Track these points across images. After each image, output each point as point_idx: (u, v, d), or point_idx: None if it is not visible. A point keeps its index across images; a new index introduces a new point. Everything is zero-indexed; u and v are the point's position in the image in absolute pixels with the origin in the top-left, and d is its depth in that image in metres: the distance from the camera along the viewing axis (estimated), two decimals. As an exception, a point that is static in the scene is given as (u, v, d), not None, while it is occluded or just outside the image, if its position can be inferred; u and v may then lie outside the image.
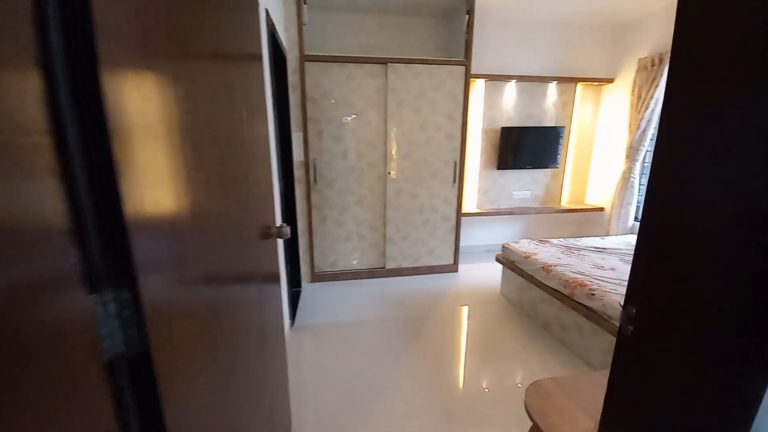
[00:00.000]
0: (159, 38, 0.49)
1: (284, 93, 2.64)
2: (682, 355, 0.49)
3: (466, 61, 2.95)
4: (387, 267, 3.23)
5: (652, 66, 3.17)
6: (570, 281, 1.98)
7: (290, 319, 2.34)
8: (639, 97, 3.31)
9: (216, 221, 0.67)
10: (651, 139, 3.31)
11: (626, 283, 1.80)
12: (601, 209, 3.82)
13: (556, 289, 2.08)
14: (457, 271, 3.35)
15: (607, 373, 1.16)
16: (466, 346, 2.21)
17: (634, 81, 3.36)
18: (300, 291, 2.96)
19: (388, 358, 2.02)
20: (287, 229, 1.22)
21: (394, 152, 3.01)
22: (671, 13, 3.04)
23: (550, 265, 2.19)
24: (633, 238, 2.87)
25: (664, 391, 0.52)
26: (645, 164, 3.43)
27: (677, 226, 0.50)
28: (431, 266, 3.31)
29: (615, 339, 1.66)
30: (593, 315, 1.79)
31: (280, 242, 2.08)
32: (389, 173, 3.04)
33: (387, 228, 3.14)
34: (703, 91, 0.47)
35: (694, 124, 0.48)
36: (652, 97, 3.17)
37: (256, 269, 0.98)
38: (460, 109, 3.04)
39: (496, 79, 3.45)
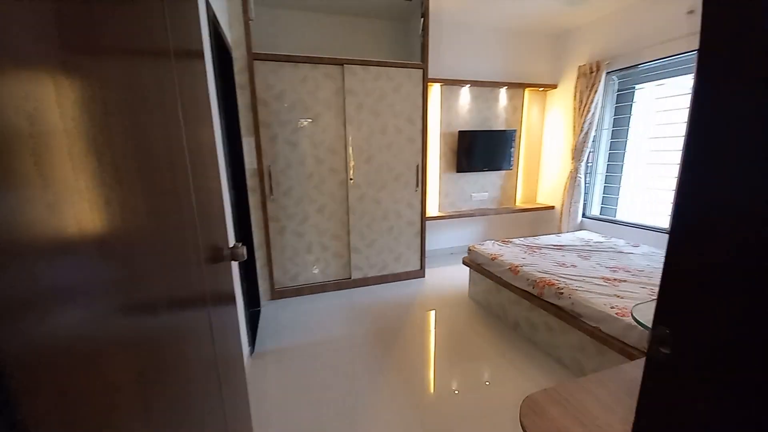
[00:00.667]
0: (58, 28, 0.35)
1: (232, 95, 2.39)
2: (729, 380, 0.44)
3: (423, 65, 2.93)
4: (353, 277, 3.09)
5: (591, 73, 3.42)
6: (538, 281, 2.00)
7: (250, 345, 2.10)
8: (581, 101, 3.55)
9: (142, 243, 0.51)
10: (593, 141, 3.56)
11: (589, 280, 1.86)
12: (552, 207, 4.04)
13: (524, 290, 2.10)
14: (424, 276, 3.31)
15: (593, 378, 1.15)
16: (436, 352, 2.15)
17: (576, 87, 3.60)
18: (259, 311, 2.70)
19: (361, 378, 1.88)
20: (242, 250, 1.04)
21: (355, 157, 2.89)
22: (607, 22, 3.32)
23: (517, 266, 2.21)
24: (585, 234, 3.04)
25: (710, 419, 0.46)
26: (589, 164, 3.68)
27: (717, 237, 0.45)
28: (398, 273, 3.22)
29: (585, 336, 1.71)
30: (563, 314, 1.82)
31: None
32: (351, 179, 2.91)
33: (351, 236, 3.00)
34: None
35: (730, 127, 0.43)
36: (592, 101, 3.42)
37: (203, 295, 0.80)
38: (420, 113, 3.01)
39: (452, 83, 3.50)
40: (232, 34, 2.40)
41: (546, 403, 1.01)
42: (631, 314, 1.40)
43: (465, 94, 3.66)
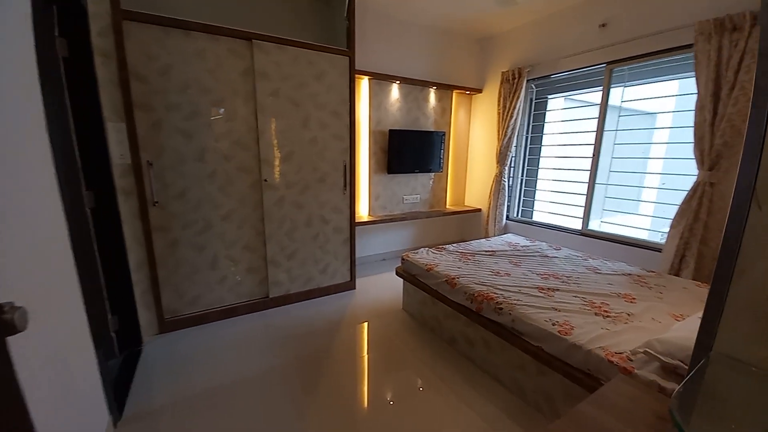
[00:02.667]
0: None
1: (86, 64, 1.74)
2: None
3: (349, 52, 2.61)
4: (271, 295, 2.62)
5: (513, 79, 3.51)
6: (476, 295, 1.86)
7: (112, 412, 1.51)
8: (504, 107, 3.63)
9: None
10: (515, 146, 3.68)
11: (525, 291, 1.76)
12: (479, 210, 4.10)
13: (462, 304, 1.94)
14: (354, 288, 3.00)
15: (561, 425, 0.97)
16: (369, 369, 1.88)
17: (499, 92, 3.67)
18: (140, 352, 2.07)
19: (285, 418, 1.49)
20: (18, 315, 0.58)
21: (271, 154, 2.42)
22: (529, 30, 3.40)
23: (454, 278, 2.05)
24: (511, 238, 3.08)
25: None
26: (512, 168, 3.80)
27: None
28: (325, 287, 2.85)
29: (526, 355, 1.60)
30: (503, 331, 1.69)
31: (76, 290, 1.28)
32: (265, 180, 2.43)
33: (268, 247, 2.53)
34: None
35: None
36: (514, 107, 3.51)
37: None
38: (347, 106, 2.68)
39: (381, 78, 3.24)
40: (86, -23, 1.74)
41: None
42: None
43: (395, 91, 3.45)
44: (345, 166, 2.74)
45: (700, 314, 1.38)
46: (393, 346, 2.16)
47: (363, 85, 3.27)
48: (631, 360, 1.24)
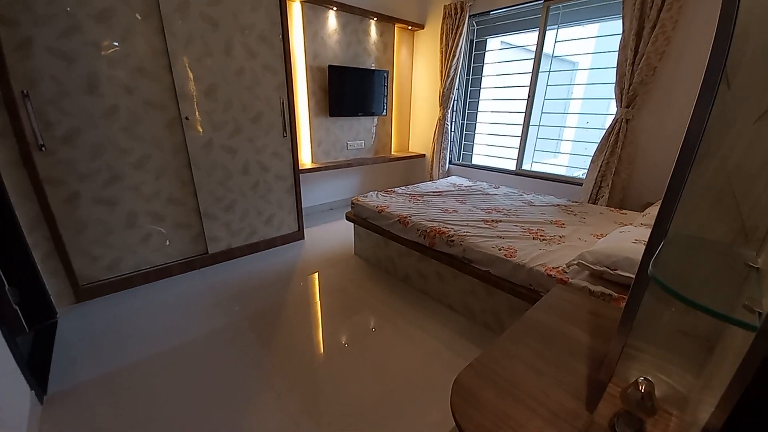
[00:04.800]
0: None
1: None
2: None
3: (277, -37, 2.19)
4: (211, 251, 2.39)
5: (455, 14, 3.36)
6: (429, 231, 1.90)
7: (35, 388, 1.29)
8: (447, 45, 3.51)
9: None
10: (457, 88, 3.65)
11: (472, 224, 1.84)
12: (423, 155, 4.12)
13: (415, 241, 1.98)
14: (303, 238, 2.88)
15: (508, 337, 1.06)
16: (323, 316, 1.90)
17: (442, 29, 3.51)
18: (55, 324, 1.77)
19: (237, 389, 1.43)
20: None
21: (187, 86, 2.04)
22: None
23: (406, 217, 2.06)
24: (455, 180, 3.18)
25: None
26: (454, 112, 3.80)
27: None
28: (272, 239, 2.69)
29: (476, 280, 1.71)
30: (455, 261, 1.78)
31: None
32: (186, 118, 2.07)
33: (199, 198, 2.24)
34: None
35: None
36: (457, 45, 3.41)
37: None
38: (279, 31, 2.32)
39: (315, 1, 2.85)
40: None
41: (475, 385, 0.84)
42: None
43: (332, 19, 3.08)
44: (283, 104, 2.45)
45: (619, 230, 1.59)
46: (347, 291, 2.17)
47: (295, 8, 2.85)
48: (566, 272, 1.40)
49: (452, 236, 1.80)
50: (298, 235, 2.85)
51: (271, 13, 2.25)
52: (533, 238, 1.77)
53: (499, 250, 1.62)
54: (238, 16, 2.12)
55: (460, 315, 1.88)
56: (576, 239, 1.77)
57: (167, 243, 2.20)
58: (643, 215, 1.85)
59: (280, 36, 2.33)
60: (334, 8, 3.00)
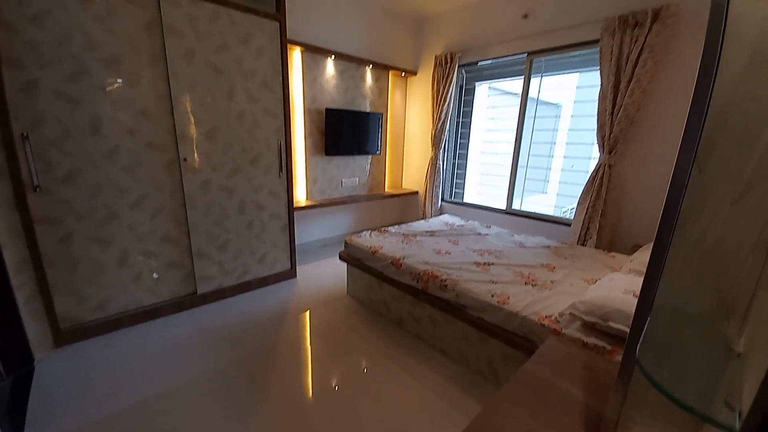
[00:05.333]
0: None
1: None
2: None
3: (280, 17, 2.36)
4: (200, 291, 2.34)
5: (446, 63, 3.60)
6: (422, 274, 1.91)
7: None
8: (438, 91, 3.72)
9: None
10: (448, 130, 3.82)
11: (465, 267, 1.86)
12: (416, 192, 4.22)
13: (409, 285, 1.98)
14: (295, 276, 2.85)
15: (506, 395, 1.05)
16: (315, 361, 1.83)
17: (433, 76, 3.74)
18: (32, 372, 1.68)
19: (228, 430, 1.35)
20: None
21: (190, 129, 2.10)
22: (460, 15, 3.46)
23: (399, 259, 2.07)
24: (447, 218, 3.24)
25: None
26: (446, 152, 3.95)
27: None
28: (264, 277, 2.66)
29: (469, 326, 1.70)
30: (448, 306, 1.77)
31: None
32: (184, 159, 2.12)
33: (192, 238, 2.23)
34: None
35: None
36: (448, 92, 3.62)
37: None
38: (279, 78, 2.45)
39: (314, 51, 3.03)
40: None
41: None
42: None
43: (330, 66, 3.27)
44: (280, 145, 2.53)
45: (609, 277, 1.62)
46: (340, 334, 2.12)
47: (295, 56, 3.02)
48: (559, 321, 1.41)
49: (445, 280, 1.80)
50: (291, 273, 2.83)
51: (273, 61, 2.39)
52: (525, 283, 1.79)
53: (492, 296, 1.63)
54: (242, 64, 2.25)
55: (454, 361, 1.85)
56: (567, 284, 1.80)
57: (157, 282, 2.16)
58: (631, 260, 1.89)
59: (281, 82, 2.45)
60: (332, 56, 3.19)
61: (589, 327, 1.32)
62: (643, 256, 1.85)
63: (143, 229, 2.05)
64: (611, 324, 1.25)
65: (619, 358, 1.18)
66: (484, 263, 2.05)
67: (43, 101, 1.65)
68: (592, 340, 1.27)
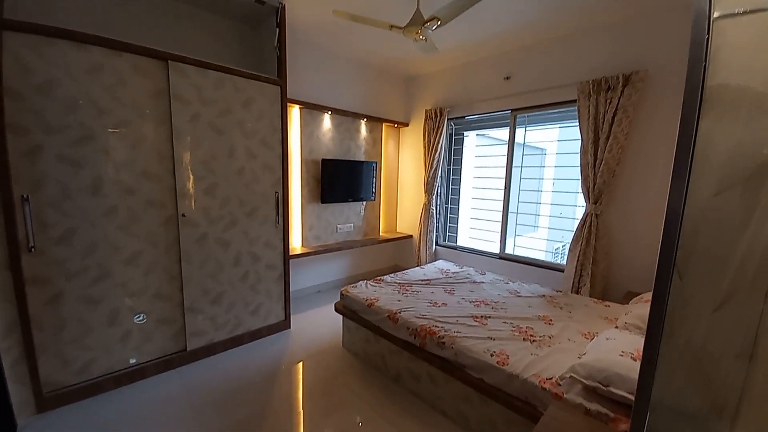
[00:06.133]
0: None
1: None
2: None
3: (280, 81, 2.53)
4: (190, 348, 2.26)
5: (436, 117, 3.83)
6: (419, 330, 1.89)
7: None
8: (429, 141, 3.92)
9: None
10: (440, 176, 3.96)
11: (462, 321, 1.85)
12: (410, 236, 4.27)
13: (406, 340, 1.95)
14: (289, 327, 2.78)
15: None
16: (307, 426, 1.73)
17: (424, 128, 3.96)
18: (2, 445, 1.56)
19: None
20: None
21: (188, 186, 2.16)
22: (448, 75, 3.74)
23: (396, 313, 2.06)
24: (442, 264, 3.25)
25: None
26: (438, 197, 4.07)
27: None
28: (256, 330, 2.59)
29: (468, 387, 1.66)
30: (447, 365, 1.74)
31: None
32: (183, 214, 2.15)
33: (185, 293, 2.20)
34: None
35: None
36: (438, 142, 3.81)
37: None
38: (279, 136, 2.57)
39: (312, 107, 3.22)
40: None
41: None
42: None
43: (327, 121, 3.45)
44: (278, 197, 2.59)
45: (606, 334, 1.63)
46: (334, 392, 2.03)
47: (294, 113, 3.19)
48: (560, 385, 1.39)
49: (443, 337, 1.79)
50: (285, 324, 2.76)
51: (273, 121, 2.52)
52: (524, 339, 1.78)
53: (492, 355, 1.61)
54: (243, 125, 2.36)
55: (455, 424, 1.77)
56: (565, 340, 1.79)
57: (146, 340, 2.09)
58: (626, 313, 1.91)
59: (280, 140, 2.57)
60: (329, 112, 3.38)
61: (589, 390, 1.31)
62: (637, 308, 1.88)
63: (135, 286, 2.01)
64: (612, 389, 1.24)
65: (622, 426, 1.17)
66: (481, 316, 2.05)
67: (46, 165, 1.70)
68: (594, 406, 1.25)
